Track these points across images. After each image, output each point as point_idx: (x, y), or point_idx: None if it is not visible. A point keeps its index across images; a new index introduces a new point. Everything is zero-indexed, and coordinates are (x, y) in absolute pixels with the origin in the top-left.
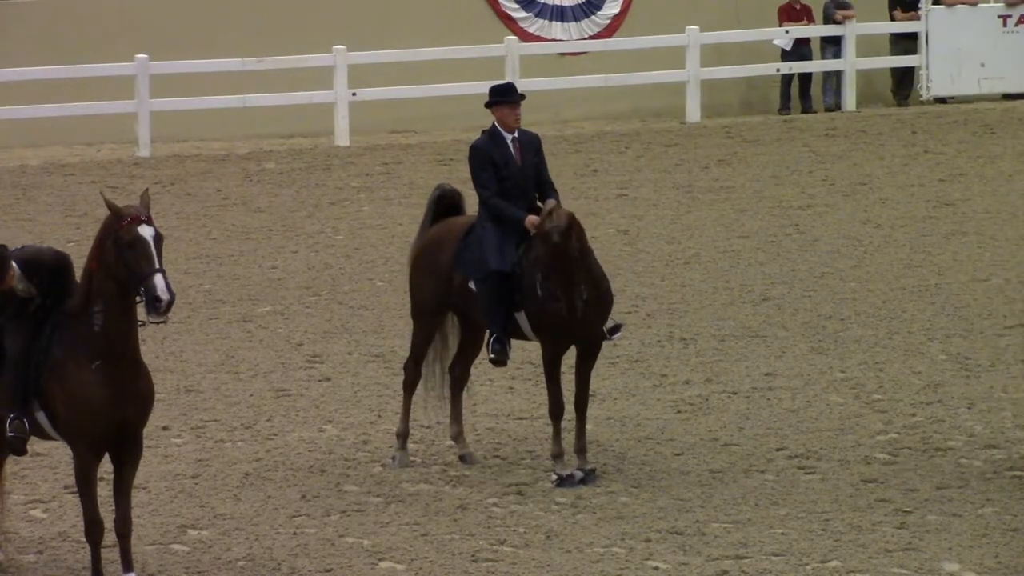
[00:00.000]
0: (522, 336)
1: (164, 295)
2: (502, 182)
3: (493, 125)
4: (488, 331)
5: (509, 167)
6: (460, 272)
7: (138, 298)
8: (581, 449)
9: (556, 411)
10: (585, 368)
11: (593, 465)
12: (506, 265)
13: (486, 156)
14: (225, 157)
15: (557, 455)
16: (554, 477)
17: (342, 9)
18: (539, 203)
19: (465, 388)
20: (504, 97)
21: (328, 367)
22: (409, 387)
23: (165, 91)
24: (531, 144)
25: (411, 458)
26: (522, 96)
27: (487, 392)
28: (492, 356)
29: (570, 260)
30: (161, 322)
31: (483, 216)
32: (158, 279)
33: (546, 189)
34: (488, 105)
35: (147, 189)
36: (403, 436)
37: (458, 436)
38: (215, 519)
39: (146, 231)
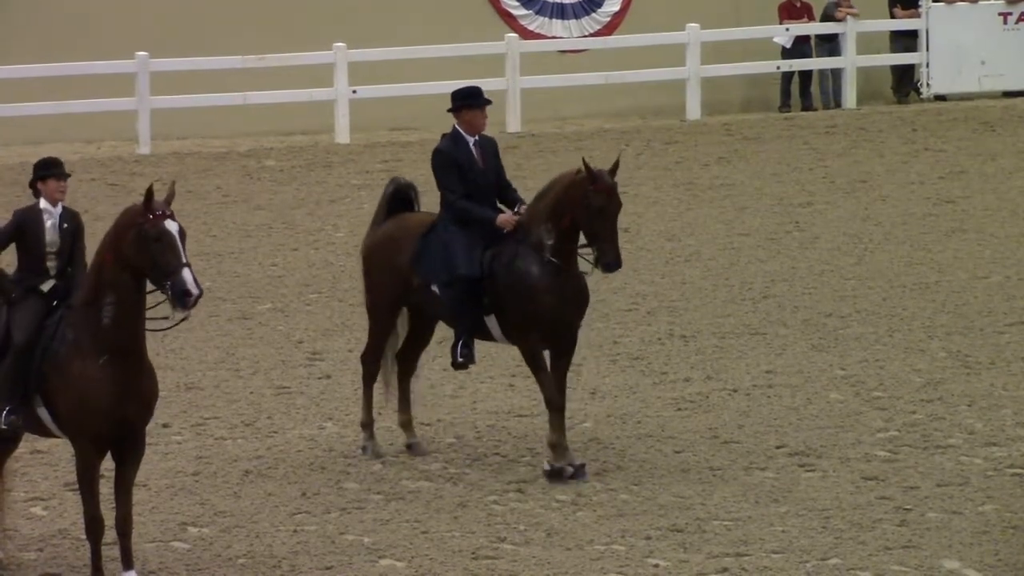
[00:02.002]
0: (489, 338)
1: (193, 289)
2: (466, 185)
3: (455, 128)
4: (455, 335)
5: (473, 170)
6: (421, 275)
7: (159, 292)
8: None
9: (554, 403)
10: (561, 367)
11: (583, 461)
12: (476, 271)
13: (451, 159)
14: (225, 155)
15: (554, 445)
16: (546, 466)
17: (342, 6)
18: (501, 205)
19: (414, 376)
20: (473, 100)
21: (328, 364)
22: (369, 379)
23: (165, 88)
24: (491, 147)
25: (421, 443)
26: (488, 101)
27: (487, 389)
28: (461, 360)
29: (619, 202)
30: (184, 317)
31: (446, 219)
32: (186, 273)
33: (508, 191)
34: (453, 109)
35: (174, 182)
36: (368, 426)
37: (406, 424)
38: (215, 516)
39: (172, 225)
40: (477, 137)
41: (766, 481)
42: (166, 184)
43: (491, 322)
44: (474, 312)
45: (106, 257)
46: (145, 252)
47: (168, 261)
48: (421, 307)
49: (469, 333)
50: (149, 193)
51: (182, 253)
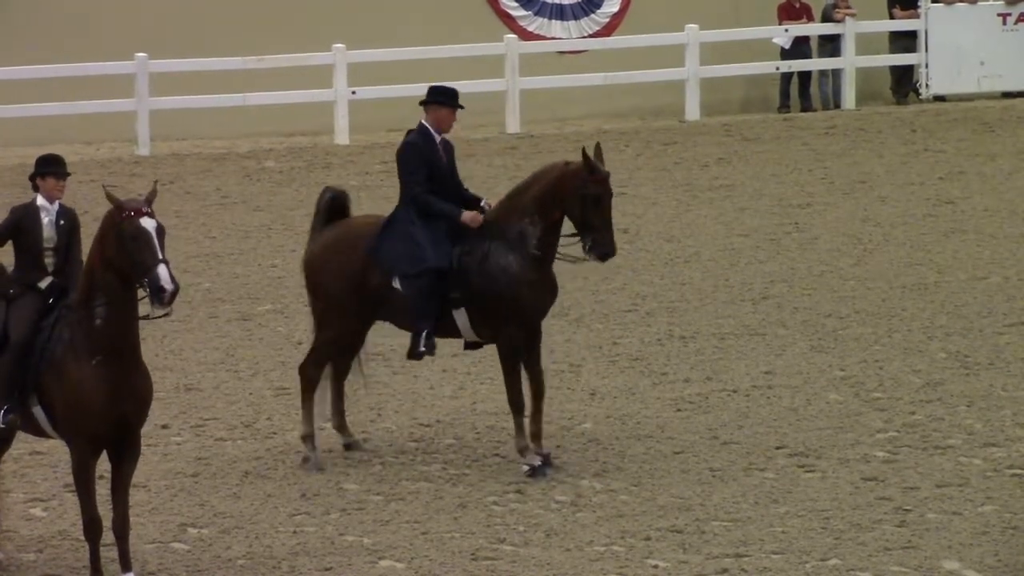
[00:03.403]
0: (454, 334)
1: (168, 285)
2: (431, 182)
3: (423, 124)
4: (417, 327)
5: (440, 167)
6: (382, 269)
7: (141, 292)
8: (536, 434)
9: (519, 405)
10: (534, 357)
11: (548, 451)
12: (446, 262)
13: (421, 153)
14: (225, 156)
15: (523, 448)
16: (525, 468)
17: (342, 7)
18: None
19: (347, 379)
20: (448, 100)
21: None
22: (310, 390)
23: (165, 89)
24: (450, 148)
25: (360, 442)
26: (462, 106)
27: (487, 390)
28: (423, 350)
29: (611, 190)
30: (165, 314)
31: (409, 213)
32: (161, 270)
33: (462, 191)
34: (425, 103)
35: (156, 182)
36: (310, 438)
37: (341, 427)
38: (215, 517)
39: (148, 223)
40: (441, 137)
41: (766, 482)
42: (166, 185)
43: (459, 316)
44: (438, 306)
45: (95, 259)
46: (124, 251)
47: (144, 259)
48: (375, 307)
49: (432, 325)
50: (112, 199)
51: (158, 250)
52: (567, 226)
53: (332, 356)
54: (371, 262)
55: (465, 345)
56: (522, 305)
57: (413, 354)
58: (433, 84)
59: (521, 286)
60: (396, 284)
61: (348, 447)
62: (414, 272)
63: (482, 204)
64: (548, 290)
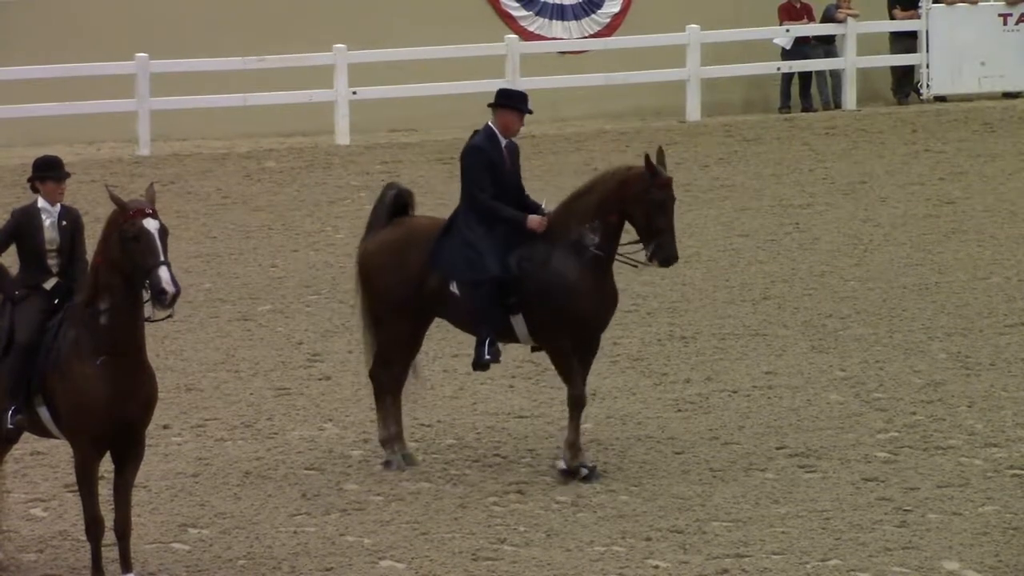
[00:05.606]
0: (512, 339)
1: (169, 287)
2: (494, 186)
3: (489, 127)
4: (480, 333)
5: (503, 172)
6: (440, 273)
7: (145, 293)
8: (575, 445)
9: (581, 401)
10: (586, 364)
11: (594, 463)
12: (508, 270)
13: (486, 158)
14: (225, 156)
15: (572, 443)
16: (562, 466)
17: (343, 8)
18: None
19: (403, 389)
20: (516, 103)
21: (328, 366)
22: (381, 395)
23: (165, 90)
24: (515, 151)
25: (413, 455)
26: (531, 110)
27: (487, 390)
28: (488, 358)
29: (674, 195)
30: (168, 316)
31: (470, 218)
32: (163, 271)
33: (524, 196)
34: (495, 106)
35: (152, 184)
36: (390, 441)
37: (398, 436)
38: (215, 518)
39: (151, 224)
40: (507, 140)
41: (766, 482)
42: (166, 185)
43: (517, 323)
44: (500, 313)
45: (98, 260)
46: (126, 252)
47: (146, 260)
48: (433, 307)
49: (494, 332)
50: (116, 200)
51: (160, 251)
52: (627, 232)
53: (396, 355)
54: (430, 264)
55: (532, 348)
56: (578, 314)
57: (478, 363)
58: (503, 87)
59: (578, 295)
60: (453, 288)
61: (404, 459)
62: (473, 281)
63: (542, 209)
64: (608, 299)
